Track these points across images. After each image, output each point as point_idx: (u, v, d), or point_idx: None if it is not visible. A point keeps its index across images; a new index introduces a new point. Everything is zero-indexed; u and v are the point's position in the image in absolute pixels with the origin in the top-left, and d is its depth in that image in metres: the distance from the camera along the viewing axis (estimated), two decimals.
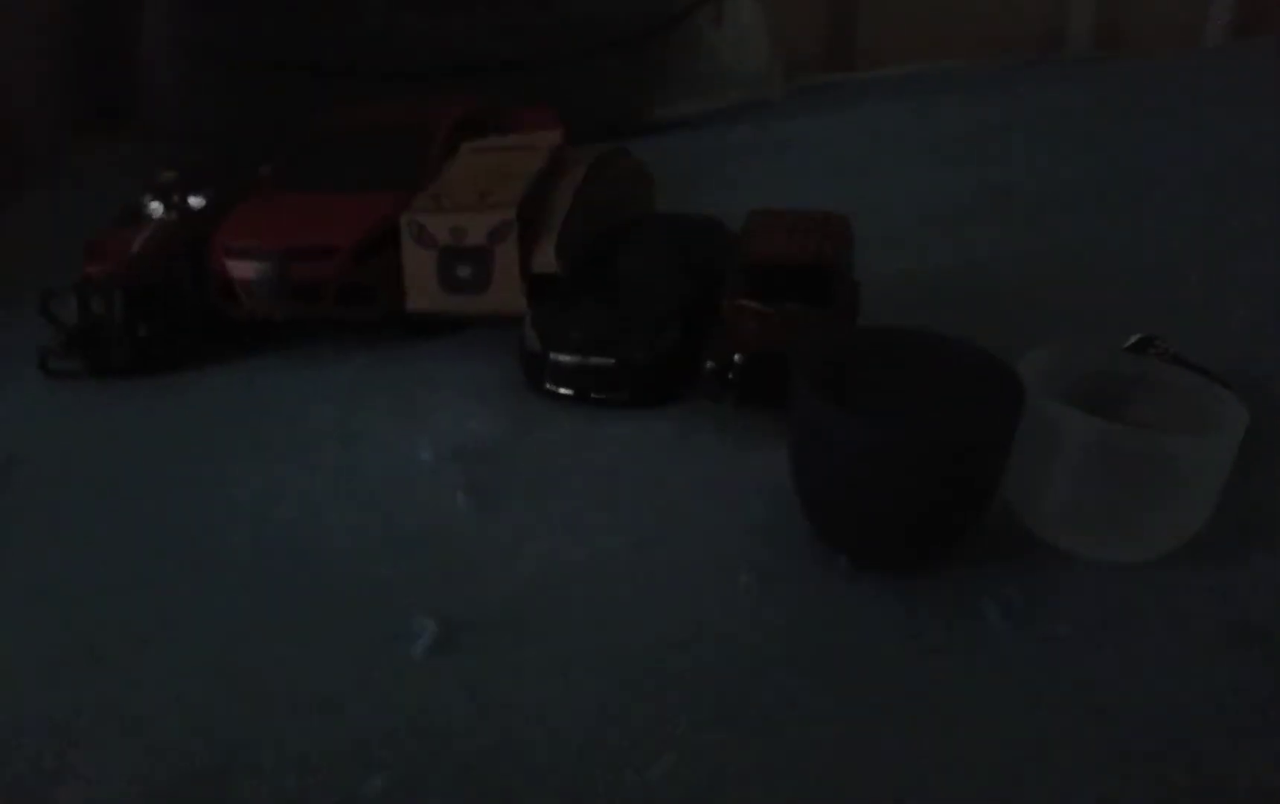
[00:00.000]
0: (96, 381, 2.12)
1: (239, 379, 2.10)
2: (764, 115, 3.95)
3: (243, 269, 2.11)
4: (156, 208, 2.26)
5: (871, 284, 1.93)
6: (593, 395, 1.84)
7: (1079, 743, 1.08)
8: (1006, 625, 1.24)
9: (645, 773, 1.07)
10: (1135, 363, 1.52)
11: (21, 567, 1.53)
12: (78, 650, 1.31)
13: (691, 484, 1.59)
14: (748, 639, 1.25)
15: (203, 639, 1.32)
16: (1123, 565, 1.32)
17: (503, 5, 3.77)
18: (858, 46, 4.76)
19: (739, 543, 1.44)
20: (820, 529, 1.41)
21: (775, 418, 1.54)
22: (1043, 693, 1.14)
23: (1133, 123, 3.33)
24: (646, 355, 1.82)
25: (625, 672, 1.20)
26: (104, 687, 1.25)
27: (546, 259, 1.99)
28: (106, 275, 2.11)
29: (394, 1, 3.73)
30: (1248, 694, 1.13)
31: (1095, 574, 1.32)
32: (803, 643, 1.25)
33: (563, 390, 1.86)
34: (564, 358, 1.85)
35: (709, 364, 1.72)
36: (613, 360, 1.83)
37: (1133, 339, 1.67)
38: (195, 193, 2.30)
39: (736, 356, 1.69)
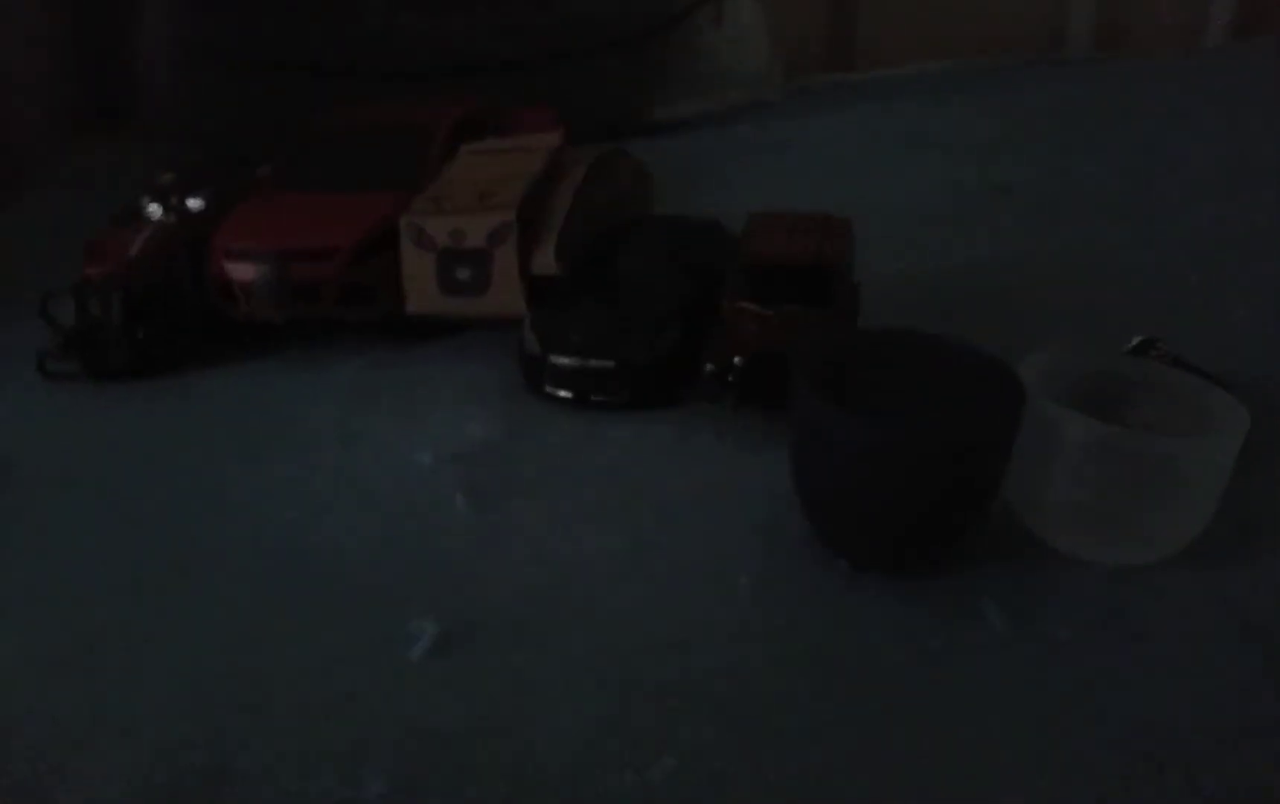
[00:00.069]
0: (95, 383, 2.12)
1: (238, 381, 2.10)
2: (764, 115, 3.95)
3: (242, 270, 2.11)
4: (155, 209, 2.25)
5: (872, 285, 1.93)
6: (592, 397, 1.84)
7: (1079, 743, 1.08)
8: (1007, 627, 1.24)
9: (645, 774, 1.07)
10: (1136, 364, 1.52)
11: (20, 567, 1.53)
12: (77, 650, 1.31)
13: (691, 486, 1.58)
14: (747, 640, 1.25)
15: (202, 640, 1.32)
16: (1123, 567, 1.32)
17: (503, 5, 3.77)
18: (858, 46, 4.76)
19: (739, 544, 1.43)
20: (820, 530, 1.40)
21: (775, 419, 1.54)
22: (1043, 694, 1.14)
23: (1133, 123, 3.33)
24: (646, 357, 1.82)
25: (625, 673, 1.20)
26: (103, 687, 1.24)
27: (546, 261, 1.99)
28: (105, 277, 2.11)
29: (394, 1, 3.73)
30: (1248, 695, 1.13)
31: (1095, 575, 1.32)
32: (802, 644, 1.24)
33: (562, 393, 1.85)
34: (563, 360, 1.85)
35: (709, 366, 1.72)
36: (612, 362, 1.82)
37: (1134, 341, 1.66)
38: (194, 194, 2.29)
39: (736, 358, 1.69)
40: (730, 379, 1.69)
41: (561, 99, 2.85)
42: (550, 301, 1.97)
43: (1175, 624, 1.24)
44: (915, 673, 1.19)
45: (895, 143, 3.41)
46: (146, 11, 3.94)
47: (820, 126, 3.69)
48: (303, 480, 1.68)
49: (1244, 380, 1.54)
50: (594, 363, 1.83)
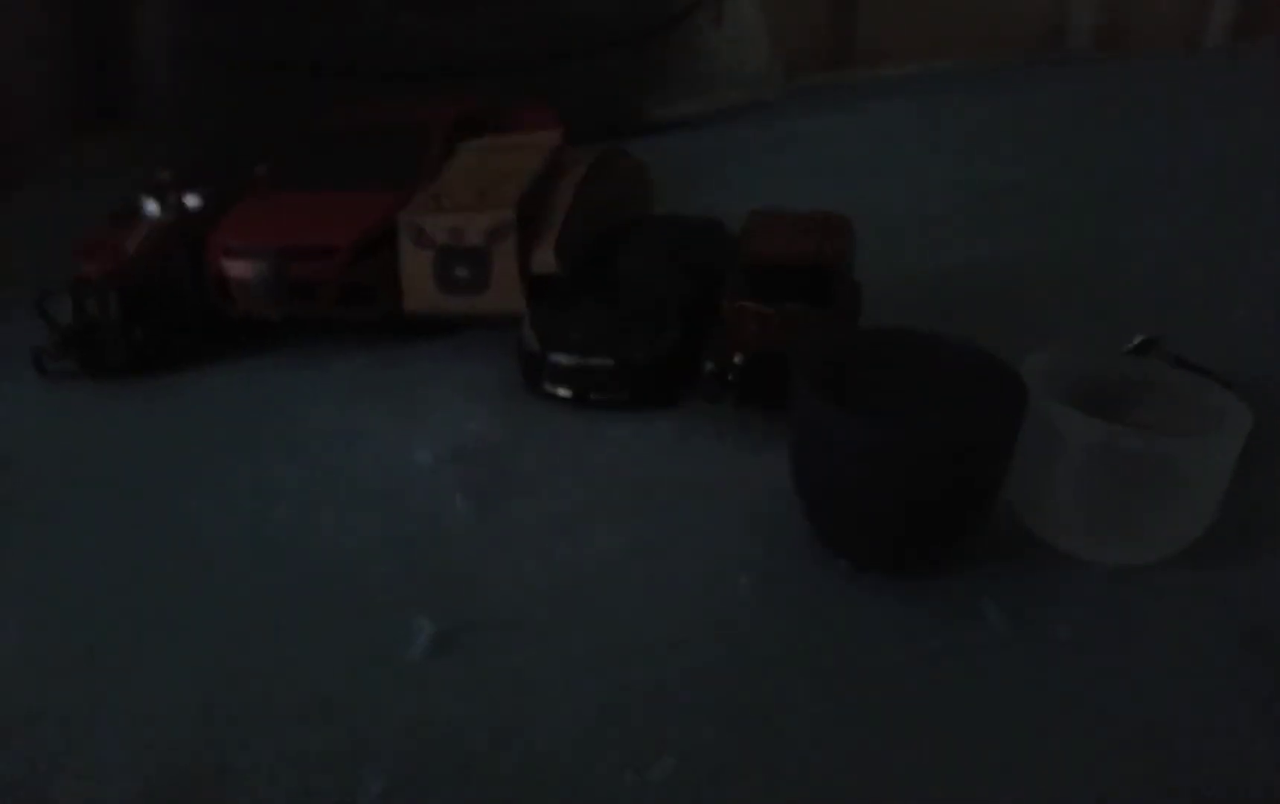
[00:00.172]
0: (92, 382, 2.12)
1: (236, 379, 2.10)
2: (764, 115, 3.95)
3: (240, 269, 2.11)
4: (153, 208, 2.25)
5: (872, 284, 1.93)
6: (592, 396, 1.83)
7: (1079, 743, 1.07)
8: (1007, 627, 1.24)
9: (645, 774, 1.06)
10: (1137, 365, 1.52)
11: (19, 567, 1.52)
12: (76, 650, 1.31)
13: (691, 485, 1.58)
14: (747, 640, 1.25)
15: (202, 639, 1.32)
16: (1124, 567, 1.32)
17: (503, 5, 3.77)
18: (858, 46, 4.76)
19: (739, 544, 1.43)
20: (820, 530, 1.40)
21: (775, 419, 1.53)
22: (1043, 694, 1.14)
23: (1133, 123, 3.34)
24: (646, 356, 1.82)
25: (624, 673, 1.20)
26: (103, 687, 1.24)
27: (546, 259, 1.99)
28: (102, 276, 2.11)
29: (394, 1, 3.73)
30: (1248, 695, 1.13)
31: (1096, 576, 1.31)
32: (802, 644, 1.24)
33: (561, 391, 1.85)
34: (563, 359, 1.85)
35: (709, 365, 1.72)
36: (612, 361, 1.82)
37: (1134, 341, 1.66)
38: (191, 192, 2.29)
39: (736, 357, 1.68)
40: (730, 378, 1.69)
41: (561, 99, 2.85)
42: (550, 300, 1.97)
43: (1175, 624, 1.23)
44: (915, 673, 1.19)
45: (895, 142, 3.41)
46: (146, 11, 3.94)
47: (820, 126, 3.69)
48: (302, 479, 1.68)
49: (1245, 380, 1.54)
50: (594, 361, 1.83)
